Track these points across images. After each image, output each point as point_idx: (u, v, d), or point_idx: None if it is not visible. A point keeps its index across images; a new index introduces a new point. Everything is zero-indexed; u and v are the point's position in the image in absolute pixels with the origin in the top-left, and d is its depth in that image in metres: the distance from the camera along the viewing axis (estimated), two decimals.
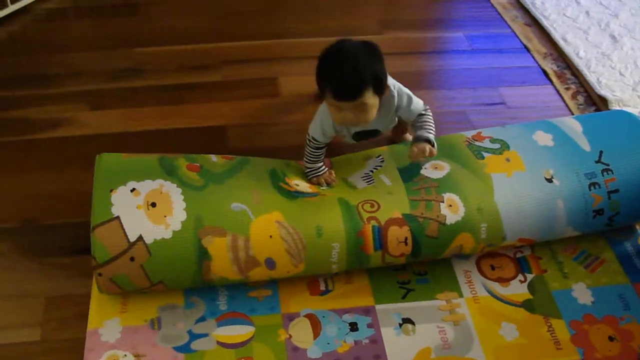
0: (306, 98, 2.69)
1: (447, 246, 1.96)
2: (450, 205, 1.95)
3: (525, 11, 3.38)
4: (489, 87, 2.83)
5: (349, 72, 1.86)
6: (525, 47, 3.11)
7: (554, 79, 2.91)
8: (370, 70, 1.88)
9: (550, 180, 2.02)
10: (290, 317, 1.91)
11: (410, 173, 2.07)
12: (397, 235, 1.91)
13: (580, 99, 2.80)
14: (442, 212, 1.94)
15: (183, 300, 1.94)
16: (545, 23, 3.24)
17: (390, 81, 2.03)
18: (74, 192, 2.23)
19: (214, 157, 2.07)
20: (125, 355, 1.81)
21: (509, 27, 3.25)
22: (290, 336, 1.87)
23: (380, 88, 1.93)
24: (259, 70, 2.87)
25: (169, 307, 1.92)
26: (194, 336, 1.86)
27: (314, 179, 2.11)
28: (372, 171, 2.12)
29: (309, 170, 2.12)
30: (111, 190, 1.87)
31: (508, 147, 2.10)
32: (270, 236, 1.86)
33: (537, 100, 2.78)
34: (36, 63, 2.88)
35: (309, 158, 2.11)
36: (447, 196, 1.96)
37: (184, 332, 1.87)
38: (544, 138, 2.14)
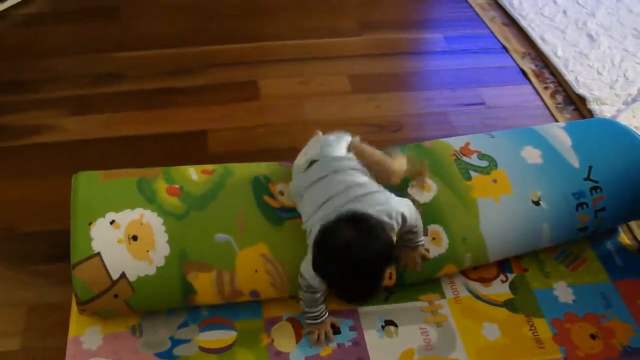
0: (286, 100, 2.70)
1: (431, 277, 1.98)
2: (434, 238, 1.95)
3: (503, 11, 3.40)
4: (468, 87, 2.84)
5: (364, 290, 1.70)
6: (504, 47, 3.13)
7: (533, 79, 2.92)
8: (383, 275, 1.71)
9: (537, 203, 2.02)
10: (273, 322, 1.90)
11: (396, 194, 1.96)
12: None
13: (559, 98, 2.82)
14: (425, 247, 1.94)
15: None
16: (523, 23, 3.25)
17: (385, 210, 1.74)
18: (54, 199, 2.20)
19: (194, 175, 2.02)
20: None
21: (487, 27, 3.26)
22: (273, 340, 1.86)
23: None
24: (239, 73, 2.87)
25: (151, 314, 1.91)
26: (175, 342, 1.85)
27: (312, 328, 1.86)
28: None
29: (306, 314, 1.86)
30: (90, 223, 1.83)
31: (496, 166, 2.08)
32: (256, 271, 1.85)
33: (516, 100, 2.80)
34: (15, 69, 2.86)
35: (304, 301, 1.84)
36: (431, 228, 1.96)
37: (165, 338, 1.86)
38: (532, 155, 2.12)
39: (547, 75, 2.95)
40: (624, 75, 2.90)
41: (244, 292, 1.85)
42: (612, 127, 2.25)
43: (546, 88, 2.87)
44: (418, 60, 3.07)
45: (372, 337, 1.88)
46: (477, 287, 2.02)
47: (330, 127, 2.53)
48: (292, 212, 1.95)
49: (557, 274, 2.08)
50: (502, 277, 2.06)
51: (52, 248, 2.08)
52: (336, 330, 1.88)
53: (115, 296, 1.78)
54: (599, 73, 2.92)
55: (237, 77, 2.84)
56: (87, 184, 1.95)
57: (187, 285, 1.81)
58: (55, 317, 1.91)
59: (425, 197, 2.01)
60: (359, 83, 2.79)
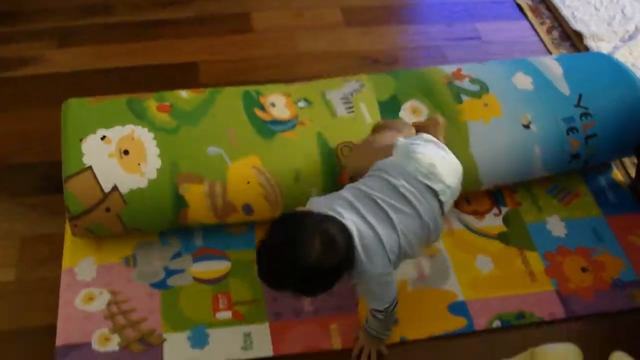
0: (279, 33, 2.67)
1: None
2: None
3: None
4: (464, 21, 2.81)
5: (264, 274, 1.52)
6: None
7: (529, 14, 2.88)
8: (291, 282, 1.49)
9: (527, 127, 2.00)
10: None
11: (390, 111, 2.01)
12: None
13: (555, 33, 2.79)
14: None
15: (158, 237, 1.93)
16: None
17: (352, 223, 1.54)
18: (43, 131, 2.19)
19: (184, 93, 2.01)
20: (101, 292, 1.81)
21: None
22: None
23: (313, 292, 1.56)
24: (231, 5, 2.81)
25: (145, 244, 1.92)
26: (169, 272, 1.86)
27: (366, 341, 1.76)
28: (351, 94, 2.05)
29: (380, 333, 1.73)
30: (81, 140, 1.82)
31: (487, 90, 2.06)
32: (248, 182, 1.84)
33: (512, 36, 2.76)
34: None
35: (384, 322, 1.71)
36: None
37: (159, 269, 1.86)
38: (523, 81, 2.10)
39: (543, 10, 2.91)
40: (622, 12, 2.87)
41: (237, 207, 1.84)
42: (605, 61, 2.24)
43: (542, 23, 2.84)
44: None
45: None
46: (471, 220, 2.03)
47: (324, 59, 2.54)
48: (283, 125, 1.94)
49: (550, 208, 2.08)
50: (495, 210, 2.06)
51: (44, 180, 2.07)
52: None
53: (108, 210, 1.78)
54: (596, 9, 2.88)
55: (228, 9, 2.79)
56: (77, 106, 1.93)
57: (179, 198, 1.81)
58: (49, 249, 1.91)
59: (415, 119, 1.99)
60: (352, 16, 2.75)
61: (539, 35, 2.77)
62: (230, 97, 2.01)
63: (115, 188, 1.78)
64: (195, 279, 1.85)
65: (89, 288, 1.82)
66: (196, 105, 1.96)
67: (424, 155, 1.66)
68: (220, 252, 1.91)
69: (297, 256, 1.43)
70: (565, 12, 2.84)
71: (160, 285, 1.83)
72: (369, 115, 2.00)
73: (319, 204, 1.60)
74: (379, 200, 1.59)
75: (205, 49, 2.58)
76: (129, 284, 1.83)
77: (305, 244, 1.44)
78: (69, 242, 1.91)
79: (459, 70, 2.14)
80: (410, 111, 2.02)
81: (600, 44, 2.68)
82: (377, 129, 1.91)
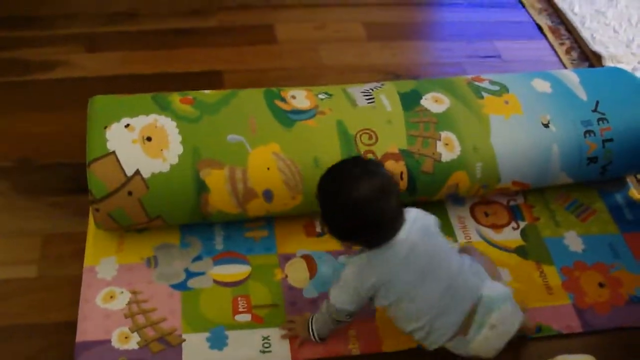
0: (302, 45, 2.70)
1: (442, 183, 1.96)
2: (447, 144, 1.95)
3: None
4: (485, 40, 2.84)
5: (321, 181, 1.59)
6: (520, 2, 3.11)
7: (549, 34, 2.91)
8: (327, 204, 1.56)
9: (546, 126, 2.02)
10: (286, 258, 1.93)
11: (411, 101, 2.03)
12: (393, 169, 1.90)
13: (574, 54, 2.82)
14: (437, 150, 1.94)
15: (179, 240, 1.95)
16: None
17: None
18: (69, 134, 2.20)
19: (207, 91, 2.04)
20: (122, 291, 1.82)
21: None
22: (286, 276, 1.89)
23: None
24: (255, 16, 2.85)
25: (165, 247, 1.93)
26: (190, 274, 1.87)
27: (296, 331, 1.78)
28: (372, 89, 2.07)
29: (316, 332, 1.74)
30: (105, 127, 1.85)
31: (507, 90, 2.09)
32: (268, 168, 1.85)
33: (531, 55, 2.79)
34: (30, 4, 2.84)
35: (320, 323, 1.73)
36: (444, 134, 1.96)
37: (180, 270, 1.88)
38: (542, 85, 2.13)
39: (563, 31, 2.94)
40: None
41: (257, 192, 1.85)
42: (620, 73, 2.27)
43: (562, 44, 2.86)
44: (433, 12, 3.06)
45: None
46: (489, 233, 2.04)
47: (347, 72, 2.57)
48: (302, 114, 1.96)
49: (568, 224, 2.10)
50: (513, 224, 2.07)
51: (68, 180, 2.10)
52: None
53: (130, 193, 1.80)
54: (615, 31, 2.91)
55: (252, 20, 2.83)
56: (103, 100, 1.97)
57: (200, 183, 1.82)
58: (71, 248, 1.93)
59: (437, 108, 2.01)
60: (374, 31, 2.79)
61: (558, 56, 2.80)
62: (252, 92, 2.04)
63: (137, 172, 1.80)
64: (215, 281, 1.86)
65: (110, 287, 1.83)
66: (218, 98, 1.99)
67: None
68: (241, 256, 1.93)
69: (352, 180, 1.49)
70: (585, 34, 2.87)
71: (181, 286, 1.85)
72: (390, 104, 2.01)
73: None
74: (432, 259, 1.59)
75: (229, 59, 2.61)
76: (150, 284, 1.85)
77: (367, 178, 1.50)
78: (92, 241, 1.93)
79: (479, 76, 2.19)
80: (432, 100, 2.03)
81: (618, 66, 2.70)
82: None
